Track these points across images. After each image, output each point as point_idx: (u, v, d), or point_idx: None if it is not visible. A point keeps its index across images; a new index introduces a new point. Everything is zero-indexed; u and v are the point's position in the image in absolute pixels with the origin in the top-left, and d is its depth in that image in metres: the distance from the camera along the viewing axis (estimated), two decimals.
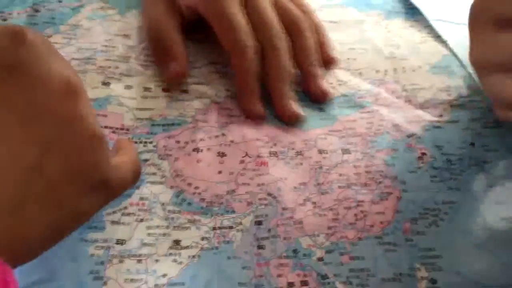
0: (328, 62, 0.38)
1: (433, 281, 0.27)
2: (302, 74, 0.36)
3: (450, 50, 0.40)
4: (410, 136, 0.34)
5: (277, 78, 0.34)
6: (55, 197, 0.20)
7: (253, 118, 0.34)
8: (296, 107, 0.34)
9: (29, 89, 0.20)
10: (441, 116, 0.36)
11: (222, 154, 0.32)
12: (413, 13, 0.44)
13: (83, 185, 0.21)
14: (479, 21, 0.31)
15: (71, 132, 0.20)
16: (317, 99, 0.36)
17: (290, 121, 0.34)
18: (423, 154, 0.33)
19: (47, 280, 0.25)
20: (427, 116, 0.35)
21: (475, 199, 0.31)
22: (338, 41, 0.40)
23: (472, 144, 0.34)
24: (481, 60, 0.31)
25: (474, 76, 0.38)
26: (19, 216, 0.19)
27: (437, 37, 0.42)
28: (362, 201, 0.30)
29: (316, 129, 0.34)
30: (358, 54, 0.40)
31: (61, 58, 0.22)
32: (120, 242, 0.27)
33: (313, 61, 0.36)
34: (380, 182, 0.31)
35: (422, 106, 0.36)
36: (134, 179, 0.26)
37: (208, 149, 0.32)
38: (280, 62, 0.34)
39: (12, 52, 0.20)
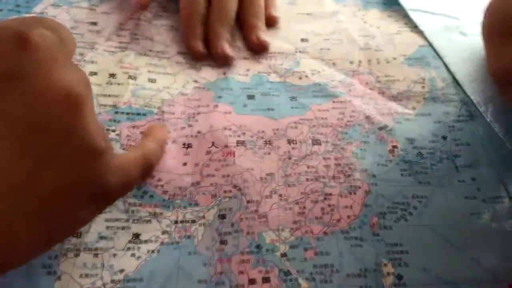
0: (270, 20, 0.40)
1: (399, 277, 0.27)
2: (244, 26, 0.38)
3: (426, 40, 0.40)
4: (381, 128, 0.33)
5: (217, 19, 0.36)
6: (48, 210, 0.19)
7: (195, 56, 0.36)
8: (229, 49, 0.36)
9: (27, 101, 0.18)
10: (414, 108, 0.35)
11: (188, 146, 0.31)
12: (390, 3, 0.43)
13: (80, 198, 0.20)
14: (497, 31, 0.30)
15: (68, 146, 0.19)
16: (255, 49, 0.37)
17: (220, 62, 0.36)
18: (394, 147, 0.32)
19: None
20: (400, 109, 0.35)
21: (445, 193, 0.30)
22: (313, 31, 0.39)
23: (444, 137, 0.33)
24: (502, 72, 0.30)
25: (450, 67, 0.37)
26: (8, 231, 0.18)
27: (414, 28, 0.41)
28: (330, 195, 0.29)
29: (287, 117, 0.33)
30: (332, 45, 0.39)
31: (67, 63, 0.20)
32: (76, 234, 0.26)
33: (257, 14, 0.38)
34: (349, 175, 0.30)
35: (395, 98, 0.35)
36: (144, 176, 0.26)
37: (174, 141, 0.31)
38: (223, 5, 0.36)
39: (13, 59, 0.18)
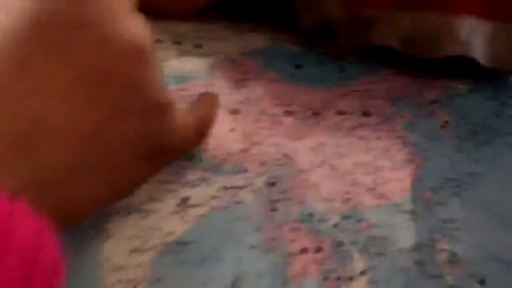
0: None
1: (453, 254, 0.26)
2: None
3: None
4: (433, 102, 0.32)
5: None
6: (112, 164, 0.19)
7: None
8: None
9: (94, 49, 0.17)
10: (466, 84, 0.34)
11: (235, 112, 0.30)
12: None
13: (143, 152, 0.20)
14: None
15: (136, 98, 0.19)
16: None
17: None
18: (446, 122, 0.31)
19: None
20: (452, 83, 0.33)
21: (500, 171, 0.29)
22: None
23: (498, 114, 0.32)
24: None
25: None
26: (74, 183, 0.17)
27: None
28: (382, 167, 0.29)
29: (336, 88, 0.32)
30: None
31: (133, 15, 0.19)
32: None
33: None
34: (401, 149, 0.29)
35: (448, 72, 0.34)
36: (199, 140, 0.26)
37: (221, 106, 0.30)
38: None
39: (79, 6, 0.17)
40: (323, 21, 0.34)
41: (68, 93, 0.17)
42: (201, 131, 0.26)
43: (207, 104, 0.27)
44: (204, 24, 0.34)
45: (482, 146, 0.30)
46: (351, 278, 0.24)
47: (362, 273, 0.24)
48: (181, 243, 0.24)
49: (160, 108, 0.20)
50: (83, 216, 0.19)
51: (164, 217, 0.25)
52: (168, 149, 0.21)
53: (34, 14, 0.17)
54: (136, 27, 0.19)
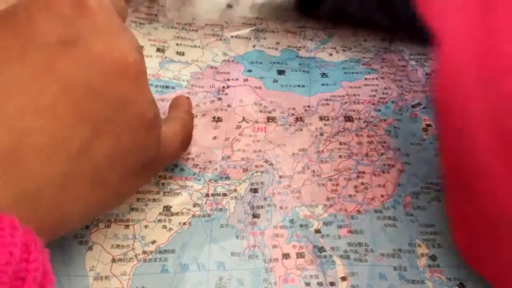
0: None
1: (433, 258, 0.26)
2: None
3: None
4: (415, 106, 0.32)
5: None
6: (99, 180, 0.19)
7: None
8: None
9: (84, 66, 0.18)
10: None
11: (217, 119, 0.30)
12: None
13: (131, 168, 0.20)
14: None
15: (123, 115, 0.19)
16: None
17: None
18: (428, 125, 0.32)
19: None
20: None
21: None
22: None
23: None
24: None
25: None
26: (62, 197, 0.18)
27: None
28: (363, 173, 0.29)
29: (318, 94, 0.32)
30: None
31: (124, 30, 0.20)
32: None
33: None
34: (382, 154, 0.30)
35: (429, 75, 0.35)
36: (182, 149, 0.26)
37: (204, 114, 0.30)
38: None
39: (71, 24, 0.18)
40: None
41: (55, 110, 0.17)
42: (185, 139, 0.26)
43: (184, 108, 0.27)
44: (186, 30, 0.34)
45: None
46: (332, 284, 0.24)
47: (343, 279, 0.25)
48: (164, 251, 0.25)
49: (147, 124, 0.20)
50: (69, 230, 0.20)
51: (147, 226, 0.25)
52: (155, 162, 0.22)
53: (21, 33, 0.17)
54: (124, 44, 0.19)
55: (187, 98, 0.29)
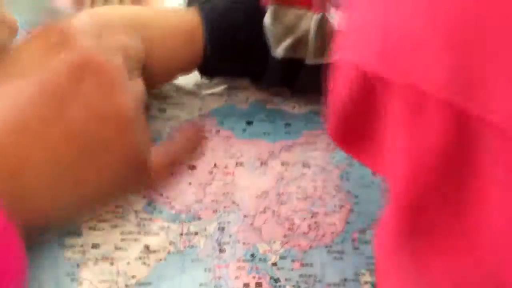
0: None
1: (375, 285, 0.31)
2: None
3: None
4: None
5: None
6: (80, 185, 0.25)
7: None
8: None
9: (84, 116, 0.24)
10: None
11: (193, 167, 0.35)
12: None
13: (117, 191, 0.28)
14: None
15: (115, 157, 0.25)
16: None
17: None
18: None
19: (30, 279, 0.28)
20: None
21: None
22: None
23: None
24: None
25: None
26: (50, 194, 0.24)
27: None
28: (317, 213, 0.34)
29: (281, 141, 0.37)
30: None
31: (125, 86, 0.26)
32: (95, 246, 0.30)
33: None
34: (334, 196, 0.35)
35: None
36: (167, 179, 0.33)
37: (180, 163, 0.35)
38: None
39: (79, 79, 0.24)
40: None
41: (56, 146, 0.23)
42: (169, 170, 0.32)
43: (188, 138, 0.34)
44: (167, 90, 0.39)
45: None
46: None
47: None
48: (142, 284, 0.29)
49: (140, 164, 0.26)
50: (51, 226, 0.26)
51: (129, 263, 0.30)
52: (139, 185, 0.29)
53: (39, 85, 0.23)
54: (125, 101, 0.25)
55: (198, 130, 0.35)
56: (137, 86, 0.28)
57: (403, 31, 0.16)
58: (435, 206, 0.18)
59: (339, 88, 0.21)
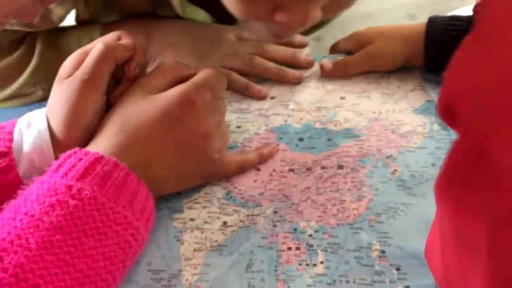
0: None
1: (382, 252, 0.43)
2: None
3: (432, 97, 0.55)
4: (388, 157, 0.50)
5: None
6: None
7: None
8: None
9: (186, 135, 0.42)
10: (414, 143, 0.51)
11: (258, 169, 0.50)
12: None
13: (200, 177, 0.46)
14: None
15: (200, 157, 0.44)
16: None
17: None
18: (395, 170, 0.48)
19: (151, 241, 0.45)
20: (404, 143, 0.51)
21: (426, 203, 0.46)
22: (349, 91, 0.56)
23: (433, 164, 0.49)
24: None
25: None
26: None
27: (424, 87, 0.56)
28: (345, 201, 0.47)
29: (324, 152, 0.51)
30: (361, 100, 0.56)
31: (211, 116, 0.44)
32: (192, 219, 0.46)
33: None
34: (359, 188, 0.47)
35: (402, 135, 0.51)
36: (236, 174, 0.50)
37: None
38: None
39: (182, 111, 0.42)
40: None
41: (170, 152, 0.42)
42: (239, 170, 0.49)
43: (259, 151, 0.50)
44: (242, 113, 0.55)
45: (417, 186, 0.47)
46: (315, 265, 0.42)
47: (322, 262, 0.43)
48: (220, 245, 0.44)
49: (214, 163, 0.44)
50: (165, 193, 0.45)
51: (213, 232, 0.45)
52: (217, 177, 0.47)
53: (159, 108, 0.42)
54: (211, 129, 0.44)
55: (273, 148, 0.51)
56: (222, 106, 0.46)
57: None
58: None
59: None
